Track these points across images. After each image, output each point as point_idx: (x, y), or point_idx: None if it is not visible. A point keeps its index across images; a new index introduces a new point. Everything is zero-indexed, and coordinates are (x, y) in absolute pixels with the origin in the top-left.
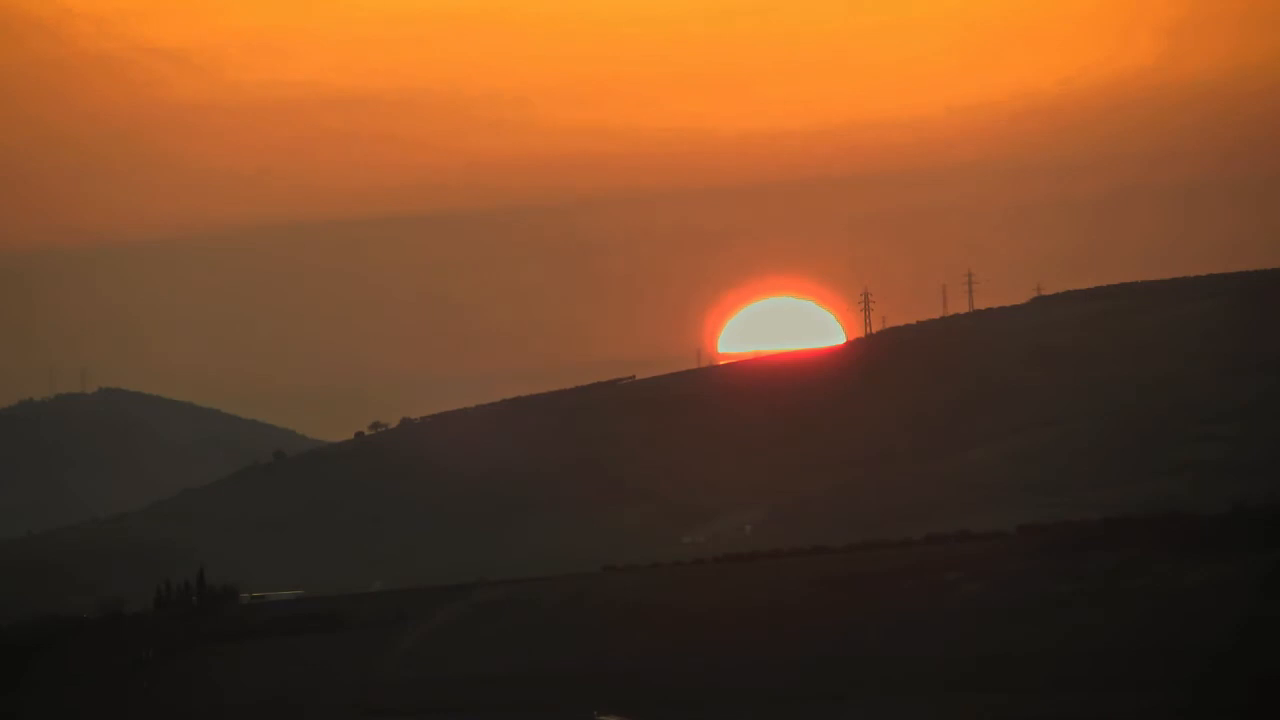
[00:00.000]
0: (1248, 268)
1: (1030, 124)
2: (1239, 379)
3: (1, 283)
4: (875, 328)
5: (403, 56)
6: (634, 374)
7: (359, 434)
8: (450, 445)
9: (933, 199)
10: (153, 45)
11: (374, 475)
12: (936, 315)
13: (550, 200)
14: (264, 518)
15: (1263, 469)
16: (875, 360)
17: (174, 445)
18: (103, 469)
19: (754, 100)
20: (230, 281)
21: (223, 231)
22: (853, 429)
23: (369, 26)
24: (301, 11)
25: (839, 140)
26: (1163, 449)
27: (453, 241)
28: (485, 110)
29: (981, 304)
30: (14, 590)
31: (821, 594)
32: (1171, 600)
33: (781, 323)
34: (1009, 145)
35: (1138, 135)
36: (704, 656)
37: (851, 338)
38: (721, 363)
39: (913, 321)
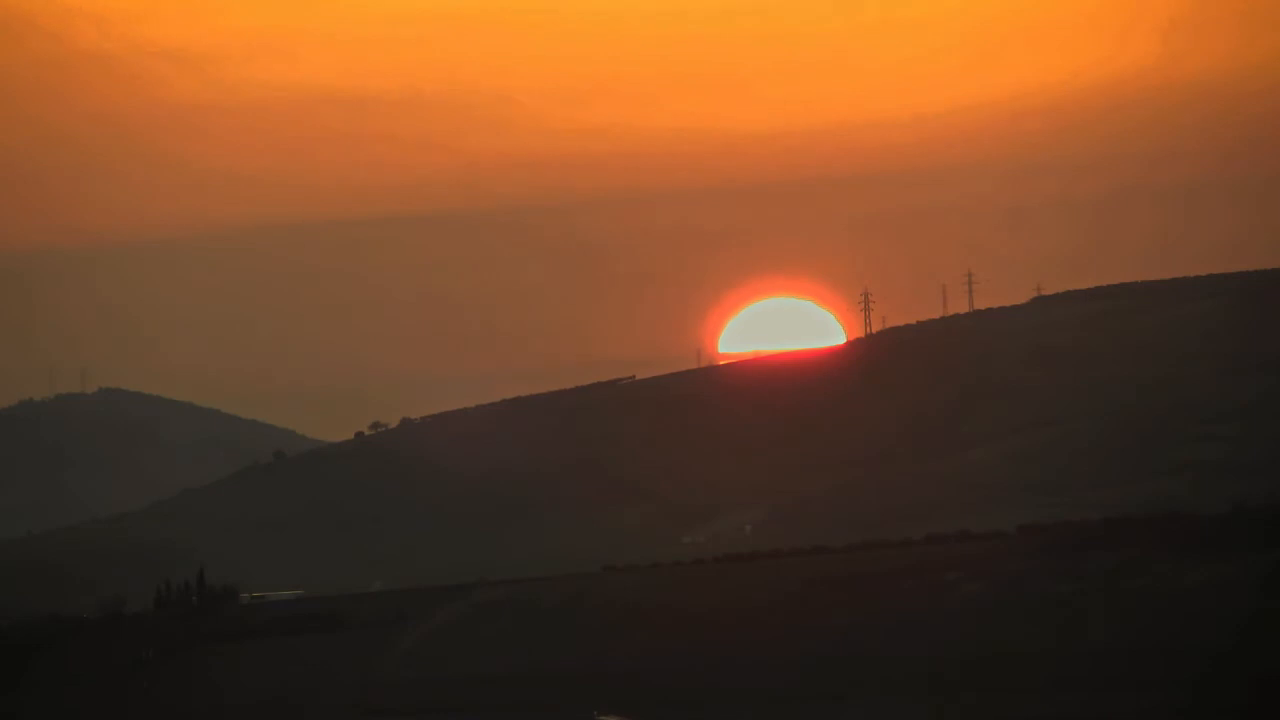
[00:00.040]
0: (1248, 268)
1: (1030, 124)
2: (1239, 379)
3: (1, 283)
4: (875, 328)
5: (403, 56)
6: (634, 374)
7: (359, 434)
8: (450, 445)
9: (933, 199)
10: (153, 45)
11: (374, 475)
12: (936, 315)
13: (550, 200)
14: (264, 518)
15: (1263, 469)
16: (875, 360)
17: (174, 445)
18: (103, 469)
19: (754, 100)
20: (230, 281)
21: (223, 231)
22: (853, 429)
23: (369, 26)
24: (301, 11)
25: (839, 140)
26: (1163, 449)
27: (453, 241)
28: (485, 110)
29: (981, 304)
30: (14, 590)
31: (821, 594)
32: (1171, 600)
33: (781, 323)
34: (1009, 145)
35: (1138, 135)
36: (704, 656)
37: (851, 338)
38: (721, 363)
39: (913, 321)
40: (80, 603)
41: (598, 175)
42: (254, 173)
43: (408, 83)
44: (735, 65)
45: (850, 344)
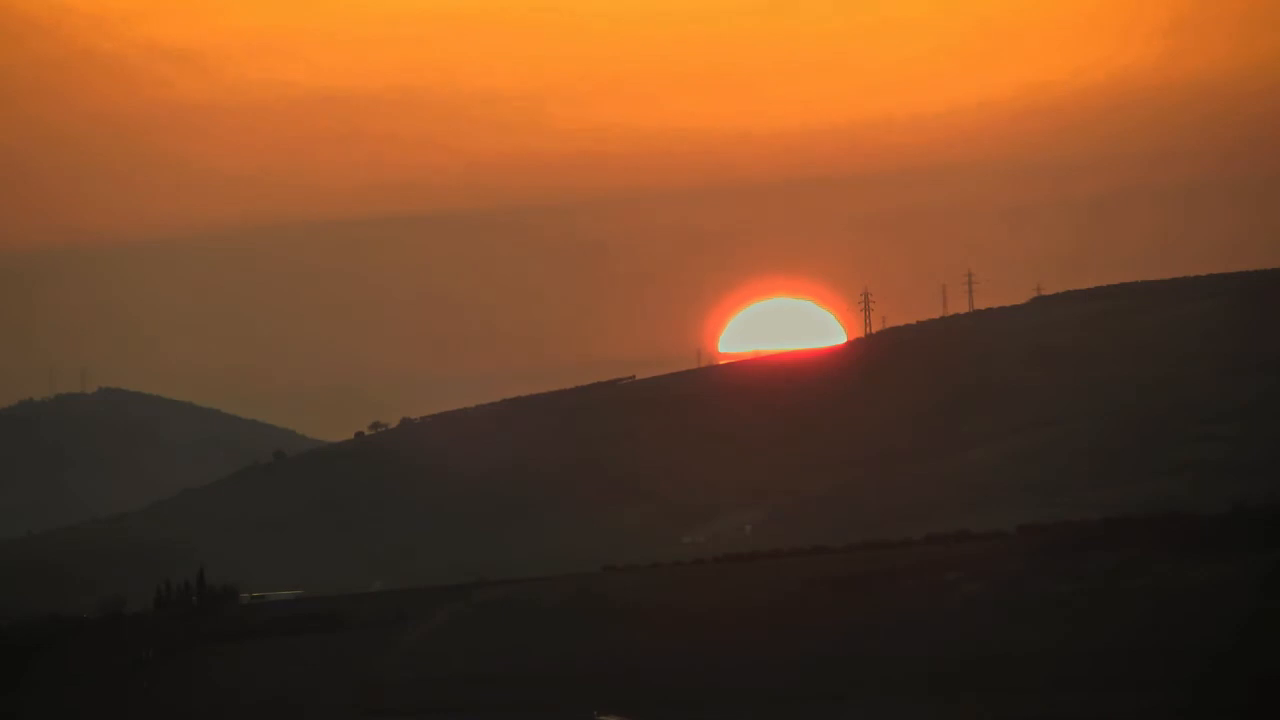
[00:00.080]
0: (1248, 268)
1: (1030, 124)
2: (1239, 379)
3: (1, 283)
4: (875, 328)
5: (403, 56)
6: (634, 374)
7: (359, 434)
8: (450, 445)
9: (933, 199)
10: (153, 45)
11: (374, 475)
12: (936, 315)
13: (550, 200)
14: (264, 518)
15: (1263, 469)
16: (875, 360)
17: (174, 445)
18: (103, 469)
19: (754, 100)
20: (230, 281)
21: (223, 231)
22: (853, 429)
23: (369, 26)
24: (301, 11)
25: (839, 140)
26: (1163, 449)
27: (453, 241)
28: (485, 110)
29: (981, 304)
30: (14, 590)
31: (821, 594)
32: (1171, 600)
33: (781, 323)
34: (1009, 145)
35: (1138, 135)
36: (704, 656)
37: (851, 338)
38: (721, 363)
39: (913, 321)
40: (80, 603)
41: (598, 175)
42: (254, 173)
43: (408, 83)
44: (735, 65)
45: (850, 344)
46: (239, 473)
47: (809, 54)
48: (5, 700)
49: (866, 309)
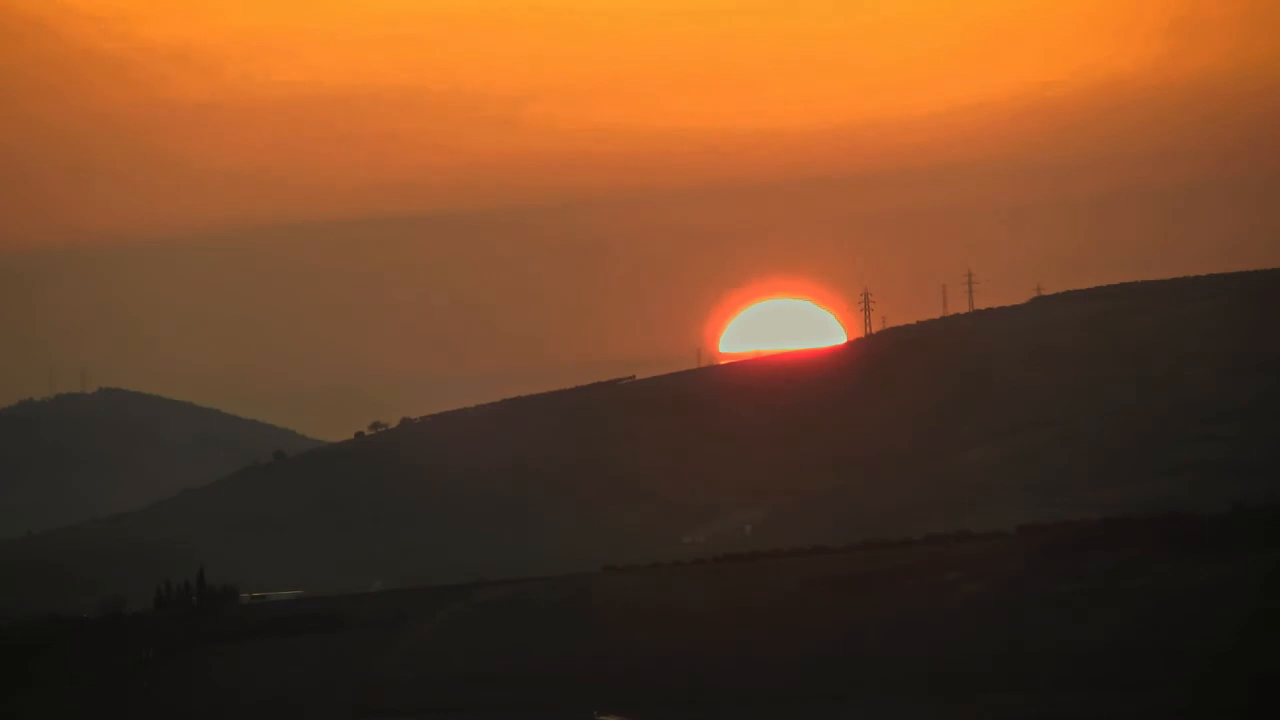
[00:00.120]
0: (1248, 268)
1: (1030, 124)
2: (1239, 379)
3: (1, 283)
4: (875, 328)
5: (403, 56)
6: (634, 374)
7: (359, 434)
8: (450, 445)
9: (933, 199)
10: (153, 45)
11: (374, 475)
12: (936, 315)
13: (551, 200)
14: (264, 518)
15: (1263, 469)
16: (875, 360)
17: (174, 445)
18: (103, 469)
19: (754, 100)
20: (230, 281)
21: (223, 231)
22: (853, 429)
23: (369, 26)
24: (301, 11)
25: (839, 140)
26: (1163, 449)
27: (453, 241)
28: (485, 110)
29: (981, 304)
30: (14, 590)
31: (821, 594)
32: (1171, 600)
33: (782, 323)
34: (1009, 145)
35: (1138, 135)
36: (704, 656)
37: (851, 338)
38: (722, 363)
39: (913, 321)
40: (80, 603)
41: (598, 175)
42: (254, 173)
43: (408, 83)
44: (735, 65)
45: (850, 344)
46: (239, 473)
47: (809, 54)
48: (6, 701)
49: (866, 309)
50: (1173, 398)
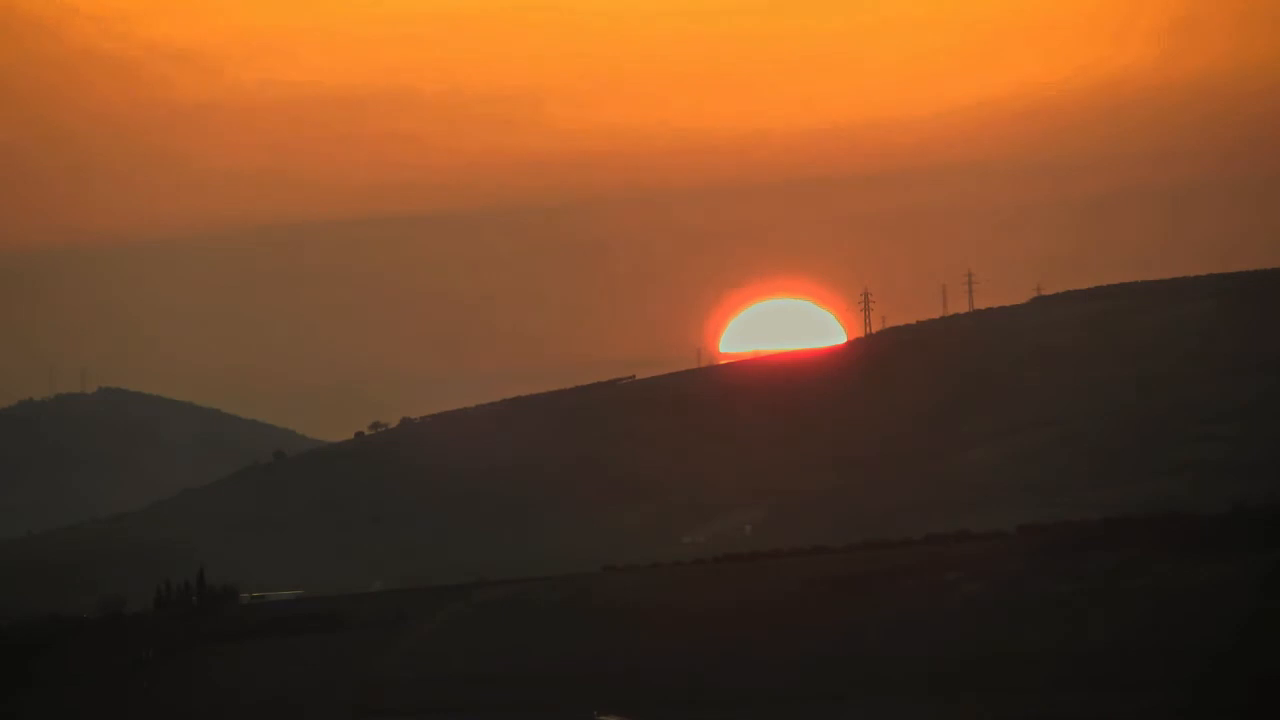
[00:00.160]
0: (1248, 268)
1: (1030, 124)
2: (1239, 379)
3: (1, 283)
4: (875, 328)
5: (403, 56)
6: (634, 374)
7: (359, 434)
8: (450, 445)
9: (933, 199)
10: (154, 45)
11: (374, 475)
12: (936, 315)
13: (551, 200)
14: (264, 518)
15: (1263, 469)
16: (875, 360)
17: (174, 445)
18: (103, 469)
19: (754, 100)
20: (230, 281)
21: (223, 231)
22: (853, 429)
23: (369, 26)
24: (301, 11)
25: (839, 140)
26: (1163, 449)
27: (453, 241)
28: (485, 110)
29: (981, 304)
30: (14, 590)
31: (821, 594)
32: (1171, 600)
33: (782, 323)
34: (1009, 145)
35: (1137, 135)
36: (704, 656)
37: (851, 338)
38: (722, 363)
39: (913, 321)
40: (80, 603)
41: (599, 175)
42: (254, 173)
43: (408, 83)
44: (736, 65)
45: (850, 344)
46: (239, 473)
47: (809, 54)
48: (6, 701)
49: (866, 309)
50: (1173, 398)
